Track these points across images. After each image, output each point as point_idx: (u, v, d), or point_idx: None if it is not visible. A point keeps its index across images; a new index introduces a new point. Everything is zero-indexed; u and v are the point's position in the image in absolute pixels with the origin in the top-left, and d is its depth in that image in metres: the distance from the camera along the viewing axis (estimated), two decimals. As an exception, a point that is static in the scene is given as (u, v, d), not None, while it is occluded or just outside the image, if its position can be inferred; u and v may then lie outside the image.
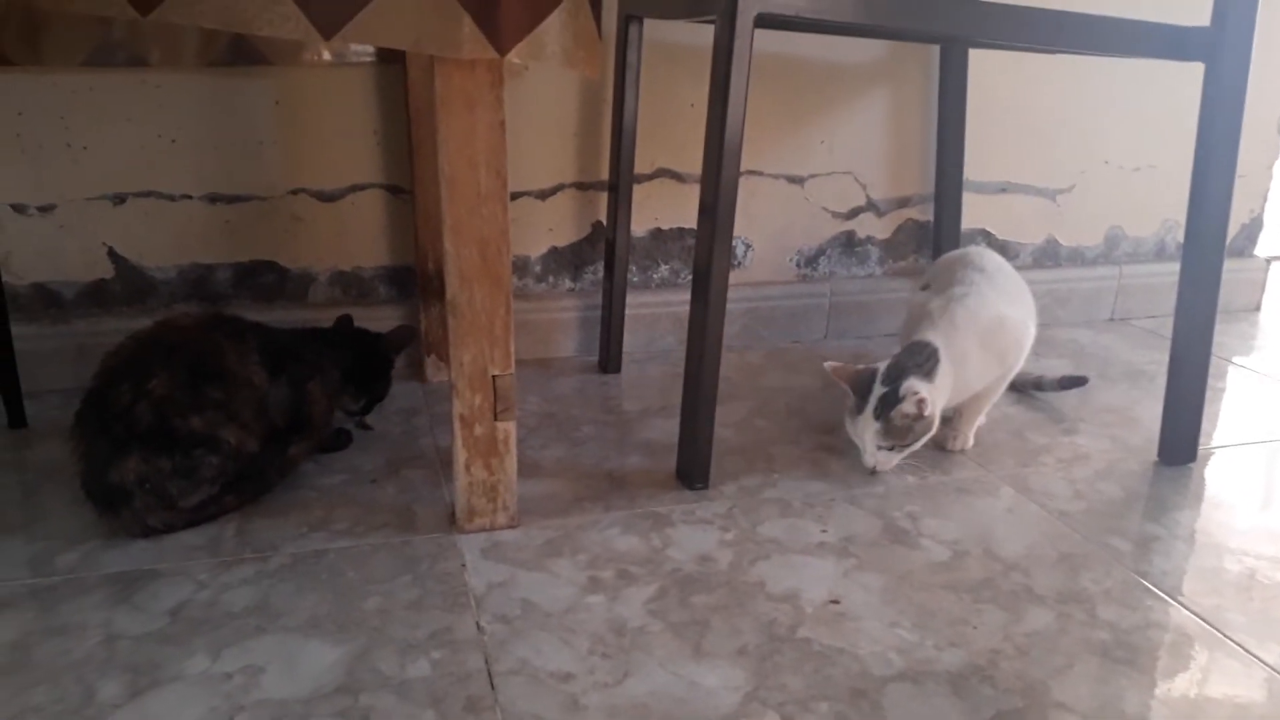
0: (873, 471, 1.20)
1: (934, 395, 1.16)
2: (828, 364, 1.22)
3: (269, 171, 1.44)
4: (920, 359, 1.19)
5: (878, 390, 1.17)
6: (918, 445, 1.19)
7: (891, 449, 1.17)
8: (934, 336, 1.21)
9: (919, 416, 1.15)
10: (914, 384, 1.15)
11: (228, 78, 1.38)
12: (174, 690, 0.81)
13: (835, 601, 0.95)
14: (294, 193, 1.46)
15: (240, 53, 1.36)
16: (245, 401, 1.08)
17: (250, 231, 1.46)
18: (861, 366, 1.21)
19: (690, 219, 1.63)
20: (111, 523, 1.03)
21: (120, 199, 1.40)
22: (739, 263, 1.68)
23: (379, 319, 1.46)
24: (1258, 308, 1.97)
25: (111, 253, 1.42)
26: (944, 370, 1.19)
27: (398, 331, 1.32)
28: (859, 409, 1.18)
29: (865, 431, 1.17)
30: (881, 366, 1.19)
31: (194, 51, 1.35)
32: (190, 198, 1.42)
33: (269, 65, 1.38)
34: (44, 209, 1.38)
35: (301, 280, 1.50)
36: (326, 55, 1.40)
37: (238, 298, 1.48)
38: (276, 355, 1.15)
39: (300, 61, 1.40)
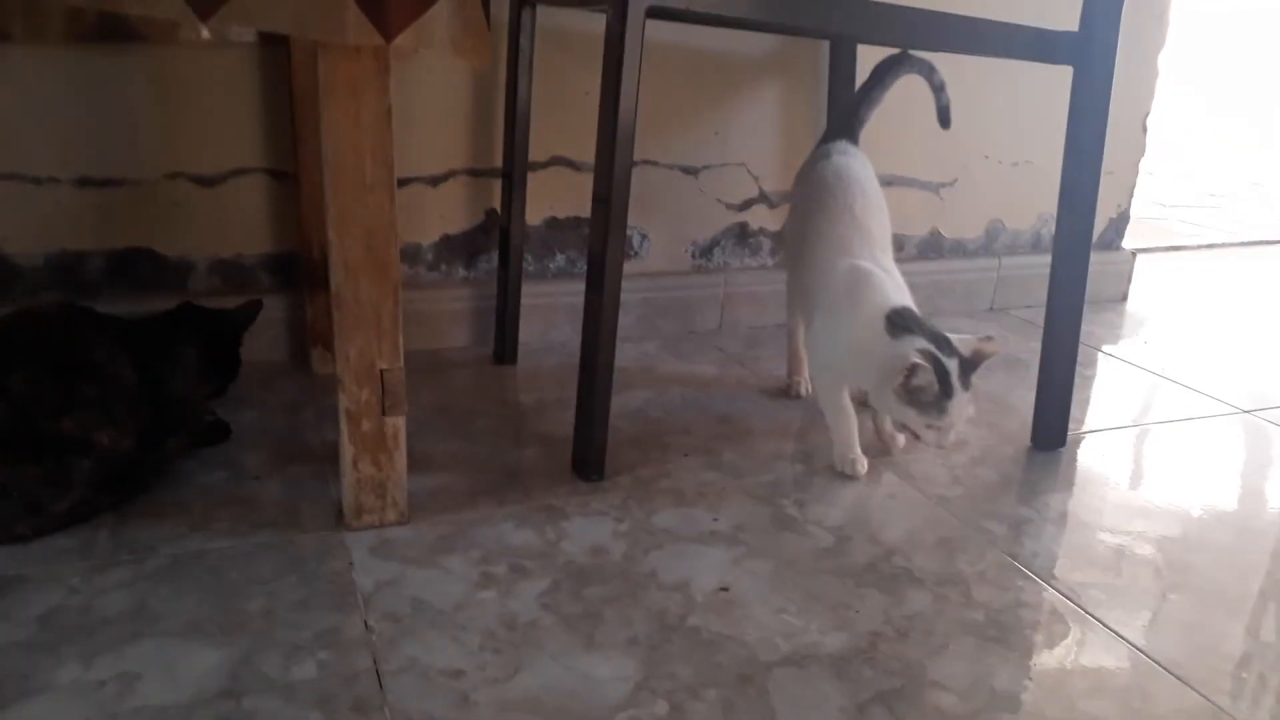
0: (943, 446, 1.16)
1: None
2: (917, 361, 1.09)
3: (143, 154, 1.38)
4: (920, 322, 1.15)
5: (951, 365, 1.10)
6: None
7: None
8: (901, 300, 1.19)
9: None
10: (960, 337, 1.14)
11: (98, 55, 1.32)
12: (42, 701, 0.77)
13: (725, 589, 0.97)
14: (171, 176, 1.40)
15: (112, 29, 1.30)
16: (118, 398, 1.03)
17: (124, 217, 1.39)
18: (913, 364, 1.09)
19: (586, 208, 1.62)
20: None
21: (-21, 181, 1.32)
22: (635, 253, 1.69)
23: (264, 308, 1.42)
24: (1124, 298, 2.08)
25: (-30, 238, 1.34)
26: None
27: (244, 306, 1.27)
28: (947, 394, 1.10)
29: (962, 409, 1.12)
30: (923, 347, 1.10)
31: (61, 26, 1.28)
32: (58, 180, 1.35)
33: (143, 42, 1.32)
34: (-107, 191, 1.29)
35: (179, 268, 1.44)
36: (205, 34, 1.35)
37: (111, 287, 1.41)
38: (138, 347, 1.10)
39: (177, 40, 1.34)
